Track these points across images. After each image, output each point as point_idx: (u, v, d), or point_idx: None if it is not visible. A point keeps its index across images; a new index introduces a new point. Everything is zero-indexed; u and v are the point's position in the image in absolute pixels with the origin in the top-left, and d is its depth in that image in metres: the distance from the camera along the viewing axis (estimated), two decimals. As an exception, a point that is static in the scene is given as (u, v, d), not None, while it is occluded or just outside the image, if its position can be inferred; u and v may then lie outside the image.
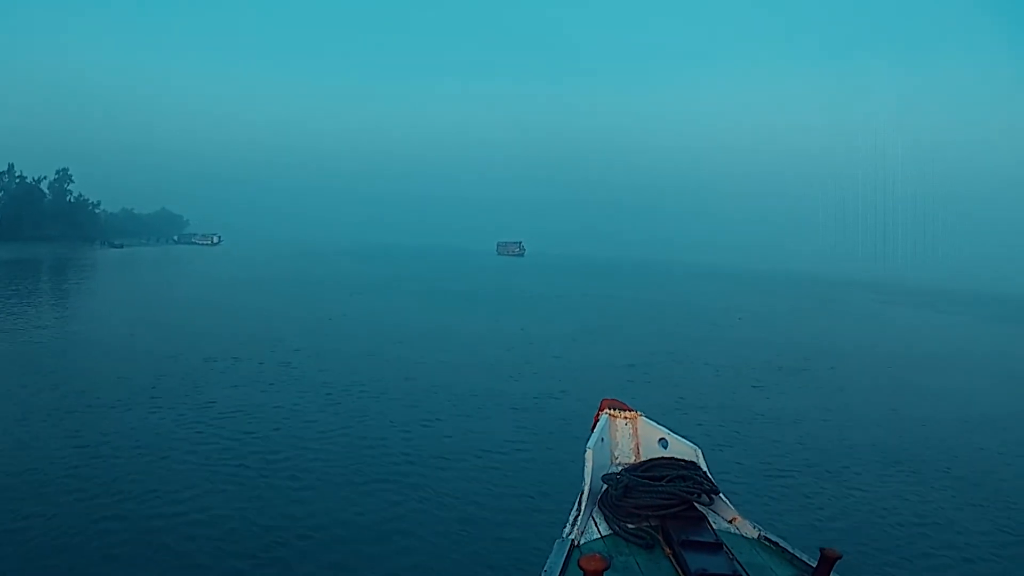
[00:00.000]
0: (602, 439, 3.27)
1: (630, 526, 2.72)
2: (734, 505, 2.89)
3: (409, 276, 43.46)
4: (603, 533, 2.74)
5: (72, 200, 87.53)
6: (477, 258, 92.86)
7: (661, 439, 3.32)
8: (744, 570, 2.38)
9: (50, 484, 6.28)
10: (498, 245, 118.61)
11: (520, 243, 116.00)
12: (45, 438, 7.61)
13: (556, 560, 2.47)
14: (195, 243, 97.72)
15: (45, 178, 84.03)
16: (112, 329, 15.87)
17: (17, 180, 78.99)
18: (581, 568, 1.99)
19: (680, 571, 2.41)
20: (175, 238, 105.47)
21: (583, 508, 2.86)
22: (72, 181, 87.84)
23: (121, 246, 72.99)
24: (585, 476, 3.01)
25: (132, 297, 24.30)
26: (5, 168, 78.46)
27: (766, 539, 2.68)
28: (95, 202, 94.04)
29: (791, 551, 2.54)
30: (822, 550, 2.28)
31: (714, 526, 2.71)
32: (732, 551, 2.52)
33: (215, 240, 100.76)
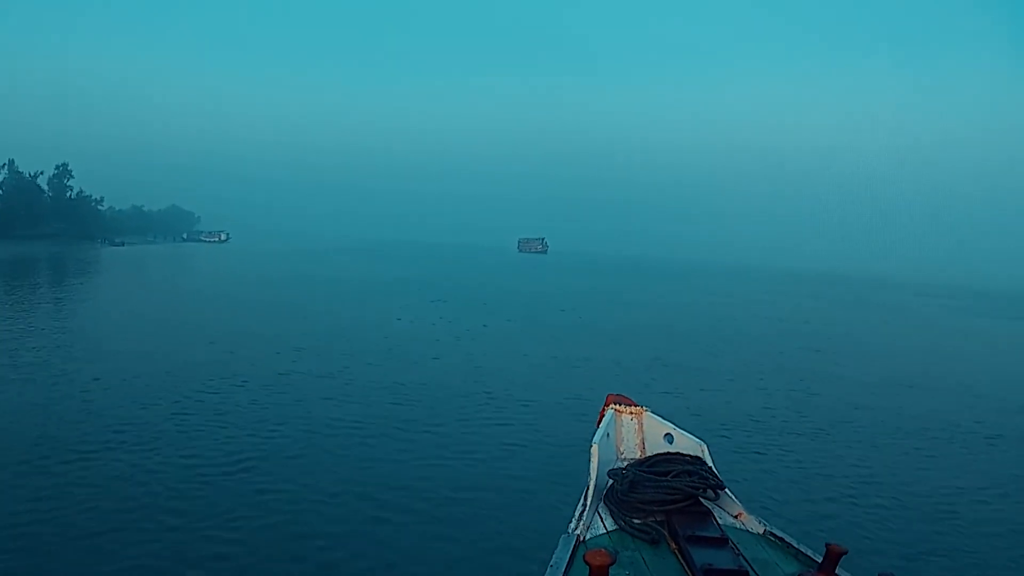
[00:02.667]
0: (608, 434, 3.27)
1: (636, 521, 2.72)
2: (740, 500, 2.89)
3: (418, 278, 38.62)
4: (608, 528, 2.74)
5: (72, 196, 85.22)
6: (497, 255, 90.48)
7: (667, 434, 3.32)
8: (750, 565, 2.38)
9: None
10: (519, 242, 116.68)
11: (543, 240, 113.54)
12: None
13: (562, 555, 2.47)
14: (203, 240, 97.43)
15: (42, 173, 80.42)
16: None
17: (17, 175, 76.17)
18: (587, 563, 1.99)
19: (686, 566, 2.40)
20: (184, 235, 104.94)
21: (588, 503, 2.86)
22: (72, 176, 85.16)
23: (122, 244, 72.55)
24: (591, 471, 3.01)
25: (105, 310, 19.73)
26: (4, 163, 75.52)
27: (772, 534, 2.67)
28: (98, 198, 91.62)
29: (797, 546, 2.55)
30: (828, 545, 2.28)
31: (720, 521, 2.71)
32: (738, 546, 2.52)
33: (223, 237, 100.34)
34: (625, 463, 3.20)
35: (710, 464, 3.05)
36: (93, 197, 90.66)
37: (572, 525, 2.75)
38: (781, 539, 2.62)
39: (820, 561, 2.32)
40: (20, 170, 77.32)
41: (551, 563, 2.42)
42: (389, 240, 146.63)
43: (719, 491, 2.91)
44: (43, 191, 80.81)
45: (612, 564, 1.99)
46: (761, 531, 2.72)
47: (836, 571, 2.25)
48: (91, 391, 9.50)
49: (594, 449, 3.06)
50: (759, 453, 8.37)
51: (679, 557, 2.47)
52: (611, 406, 3.47)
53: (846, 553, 2.25)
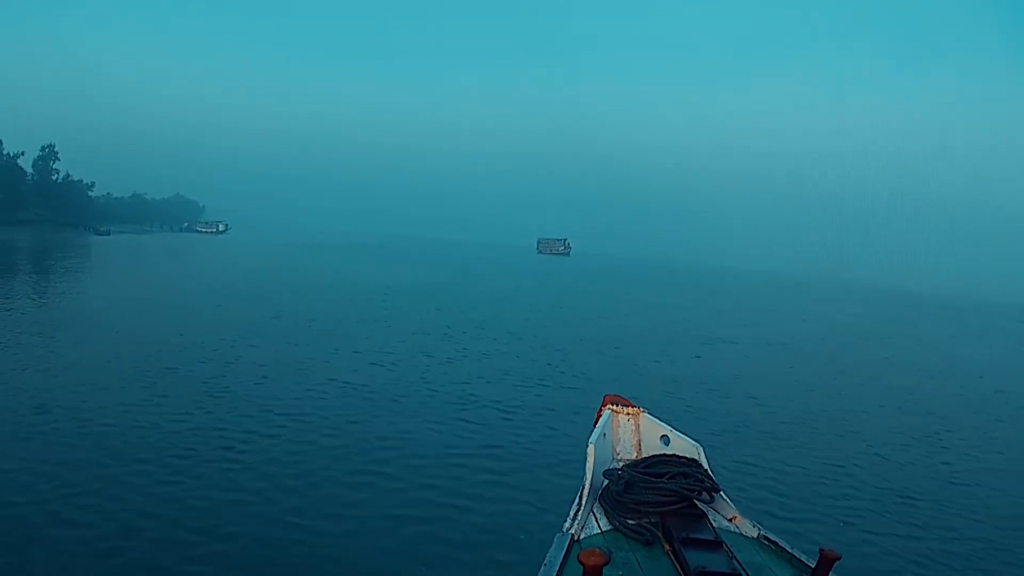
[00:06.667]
0: (604, 435, 3.28)
1: (630, 522, 2.72)
2: (734, 504, 2.90)
3: (421, 285, 30.88)
4: (603, 528, 2.75)
5: (59, 180, 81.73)
6: (516, 255, 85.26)
7: (663, 436, 3.33)
8: (743, 569, 2.38)
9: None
10: (539, 242, 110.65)
11: (565, 240, 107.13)
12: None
13: (556, 554, 2.47)
14: (199, 231, 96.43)
15: (23, 153, 75.57)
16: None
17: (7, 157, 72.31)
18: (580, 563, 1.98)
19: (679, 568, 2.41)
20: (184, 225, 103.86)
21: (584, 503, 2.86)
22: (58, 159, 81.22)
23: (108, 232, 70.52)
24: (586, 471, 3.01)
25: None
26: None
27: (766, 538, 2.68)
28: (89, 183, 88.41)
29: (790, 551, 2.55)
30: (822, 551, 2.28)
31: (714, 524, 2.72)
32: (732, 549, 2.52)
33: (220, 228, 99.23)
34: (621, 464, 3.21)
35: (706, 467, 3.07)
36: (83, 182, 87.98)
37: (567, 524, 2.75)
38: (775, 543, 2.63)
39: (814, 566, 2.32)
40: (6, 152, 74.10)
41: (545, 562, 2.42)
42: (401, 236, 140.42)
43: (714, 494, 2.91)
44: (25, 173, 77.22)
45: (606, 564, 1.98)
46: (755, 535, 2.73)
47: None
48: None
49: (590, 449, 3.06)
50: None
51: (673, 559, 2.48)
52: (608, 406, 3.46)
53: (840, 559, 2.25)
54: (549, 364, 13.50)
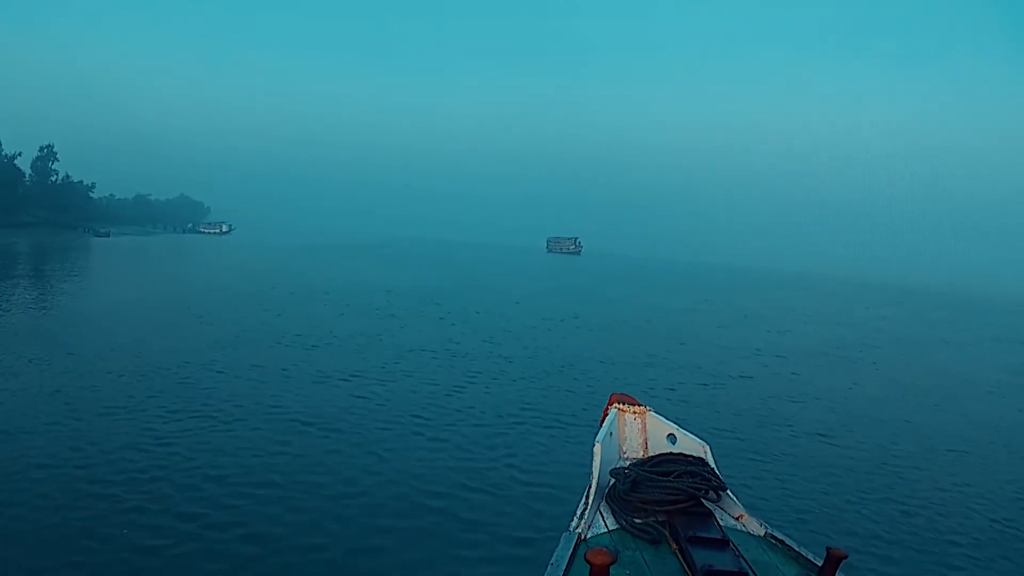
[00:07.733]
0: (611, 433, 3.26)
1: (637, 521, 2.70)
2: (741, 502, 2.87)
3: (423, 290, 28.88)
4: (610, 527, 2.72)
5: (58, 181, 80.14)
6: (525, 255, 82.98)
7: (670, 435, 3.30)
8: (750, 567, 2.36)
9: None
10: (548, 241, 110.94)
11: (576, 239, 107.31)
12: None
13: (563, 553, 2.45)
14: (203, 232, 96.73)
15: (20, 154, 73.47)
16: None
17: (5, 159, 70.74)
18: (587, 562, 1.97)
19: (686, 567, 2.39)
20: (188, 226, 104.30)
21: (590, 502, 2.84)
22: (57, 159, 79.59)
23: (107, 234, 70.44)
24: (593, 470, 2.98)
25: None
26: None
27: (773, 537, 2.67)
28: (90, 184, 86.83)
29: (797, 549, 2.54)
30: (828, 549, 2.28)
31: (721, 523, 2.69)
32: (739, 548, 2.50)
33: (224, 229, 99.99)
34: (627, 462, 3.18)
35: (712, 465, 3.04)
36: (84, 183, 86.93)
37: (573, 523, 2.72)
38: (782, 542, 2.62)
39: (820, 565, 2.32)
40: (4, 152, 72.76)
41: (552, 561, 2.40)
42: (403, 237, 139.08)
43: (721, 492, 2.90)
44: (23, 174, 75.59)
45: (613, 563, 1.98)
46: (762, 533, 2.71)
47: (836, 575, 2.25)
48: None
49: (597, 448, 3.04)
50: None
51: (680, 558, 2.46)
52: (615, 405, 3.43)
53: (846, 557, 2.24)
54: (570, 392, 11.60)
